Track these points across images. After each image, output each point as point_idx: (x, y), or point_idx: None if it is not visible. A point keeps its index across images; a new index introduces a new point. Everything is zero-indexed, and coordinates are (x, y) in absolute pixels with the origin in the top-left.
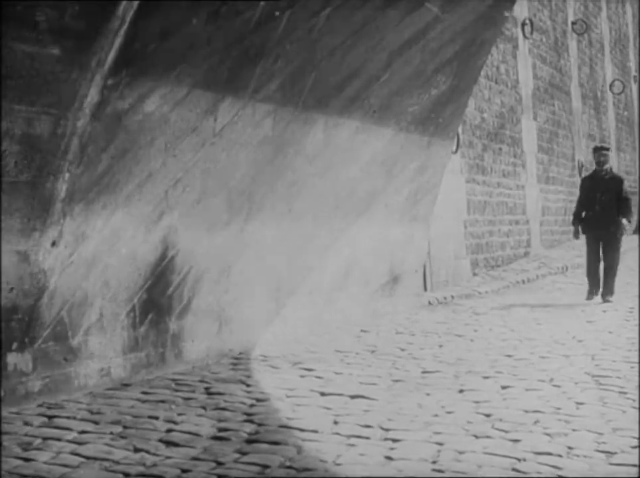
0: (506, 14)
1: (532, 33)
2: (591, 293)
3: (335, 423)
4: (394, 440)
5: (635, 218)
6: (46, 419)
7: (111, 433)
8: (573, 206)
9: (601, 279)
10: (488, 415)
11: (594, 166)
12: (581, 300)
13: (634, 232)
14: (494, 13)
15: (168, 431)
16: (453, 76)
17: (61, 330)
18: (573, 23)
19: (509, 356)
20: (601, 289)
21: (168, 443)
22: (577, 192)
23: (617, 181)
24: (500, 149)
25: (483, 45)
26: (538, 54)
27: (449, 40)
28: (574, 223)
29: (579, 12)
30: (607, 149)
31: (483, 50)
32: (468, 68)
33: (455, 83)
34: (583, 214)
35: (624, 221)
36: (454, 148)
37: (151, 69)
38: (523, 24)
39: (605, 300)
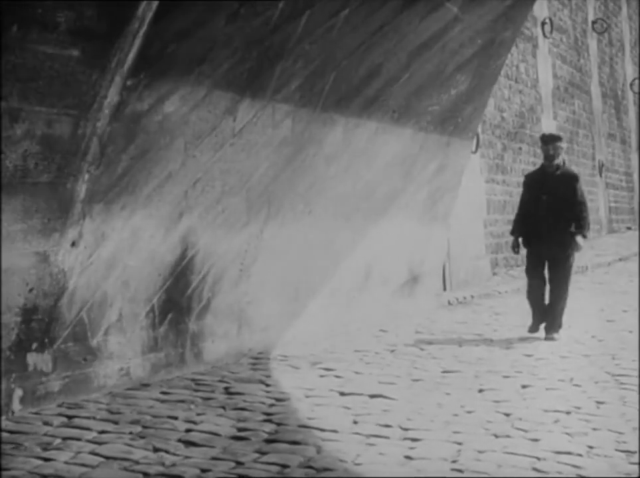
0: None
1: (552, 32)
2: (536, 324)
3: (355, 422)
4: (414, 440)
5: (589, 232)
6: (65, 419)
7: (131, 433)
8: (594, 205)
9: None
10: (508, 415)
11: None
12: (521, 332)
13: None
14: (513, 13)
15: (188, 431)
16: (472, 75)
17: (81, 331)
18: (593, 22)
19: (529, 355)
20: (544, 323)
21: (188, 443)
22: (597, 192)
23: (569, 180)
24: (520, 148)
25: (503, 44)
26: (558, 53)
27: (468, 40)
28: (513, 232)
29: (599, 11)
30: (559, 139)
31: (503, 50)
32: (488, 68)
33: (474, 82)
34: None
35: (578, 238)
36: (474, 148)
37: (170, 70)
38: (543, 24)
39: (548, 337)
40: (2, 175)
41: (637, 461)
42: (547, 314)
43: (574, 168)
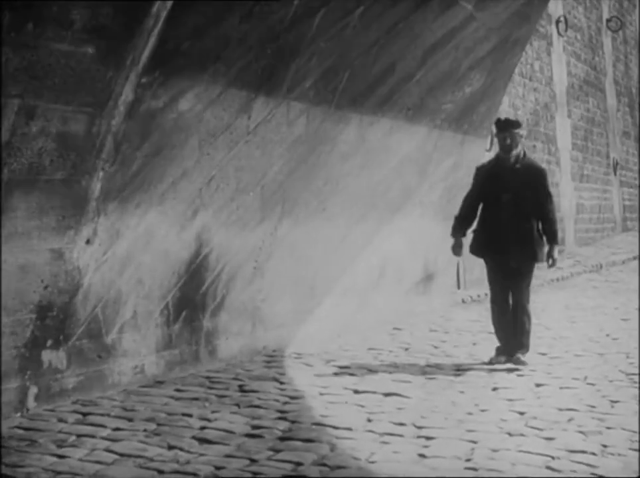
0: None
1: (566, 30)
2: (503, 351)
3: (369, 420)
4: (428, 438)
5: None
6: (80, 416)
7: (145, 430)
8: (609, 204)
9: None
10: (522, 414)
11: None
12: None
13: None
14: (528, 11)
15: (202, 428)
16: (487, 73)
17: (95, 328)
18: (607, 20)
19: (543, 354)
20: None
21: (202, 441)
22: (612, 190)
23: (536, 175)
24: (535, 146)
25: (517, 42)
26: (573, 51)
27: (483, 38)
28: (454, 232)
29: (613, 9)
30: (517, 126)
31: (517, 48)
32: (502, 66)
33: (489, 80)
34: (487, 226)
35: (555, 251)
36: (488, 146)
37: (184, 68)
38: (557, 22)
39: (515, 360)
40: (17, 172)
41: None
42: (514, 336)
43: (589, 167)
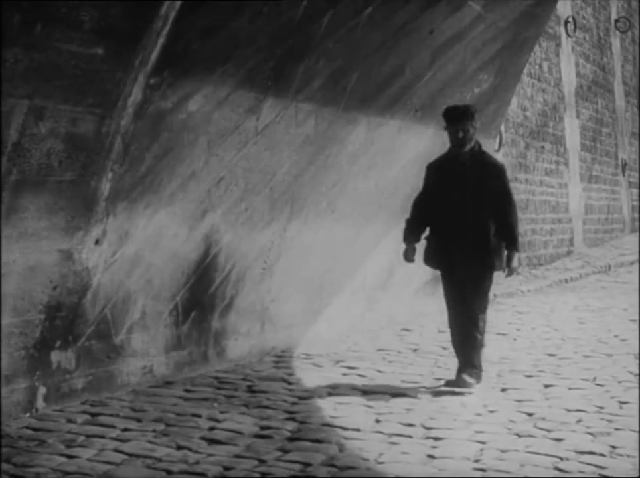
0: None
1: (575, 31)
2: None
3: (377, 421)
4: (436, 439)
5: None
6: (89, 417)
7: (154, 430)
8: (617, 204)
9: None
10: (530, 414)
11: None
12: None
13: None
14: (537, 11)
15: (211, 428)
16: (495, 74)
17: (104, 328)
18: (616, 21)
19: (552, 355)
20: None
21: (211, 441)
22: (620, 191)
23: (493, 172)
24: (543, 147)
25: (526, 43)
26: (581, 51)
27: (491, 38)
28: (406, 237)
29: (622, 9)
30: (470, 115)
31: (526, 48)
32: (511, 66)
33: (497, 81)
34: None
35: (514, 259)
36: (497, 146)
37: (193, 69)
38: (566, 22)
39: (460, 381)
40: (26, 173)
41: None
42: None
43: (597, 168)
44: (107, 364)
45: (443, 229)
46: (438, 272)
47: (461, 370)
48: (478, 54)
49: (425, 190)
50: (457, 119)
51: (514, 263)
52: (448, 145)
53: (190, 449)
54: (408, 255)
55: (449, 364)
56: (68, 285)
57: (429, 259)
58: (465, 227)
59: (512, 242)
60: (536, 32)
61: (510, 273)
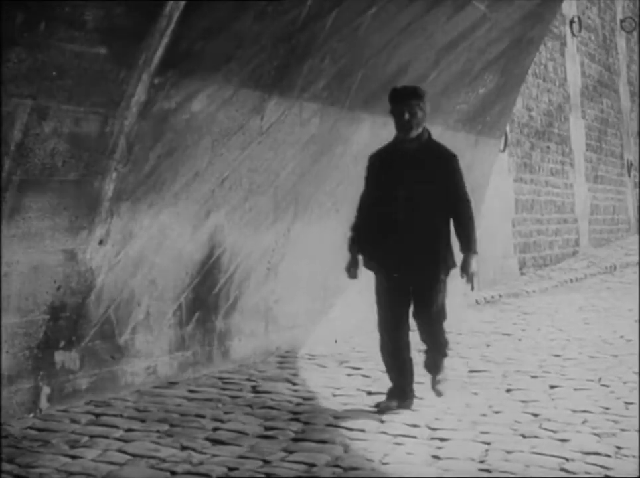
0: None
1: (580, 31)
2: (394, 393)
3: (382, 422)
4: (441, 439)
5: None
6: (93, 417)
7: (158, 431)
8: (623, 205)
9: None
10: (536, 415)
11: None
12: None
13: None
14: (542, 11)
15: (215, 429)
16: (500, 74)
17: (108, 329)
18: (622, 21)
19: (557, 355)
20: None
21: (215, 442)
22: (626, 191)
23: (444, 161)
24: (548, 147)
25: (531, 43)
26: (587, 51)
27: (496, 38)
28: (350, 246)
29: (628, 9)
30: (418, 96)
31: (531, 48)
32: (516, 66)
33: (502, 81)
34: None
35: (472, 263)
36: (502, 146)
37: (197, 68)
38: (571, 22)
39: (436, 387)
40: (30, 173)
41: None
42: (428, 369)
43: (603, 168)
44: (111, 364)
45: (384, 229)
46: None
47: (434, 371)
48: (483, 54)
49: (368, 186)
50: (403, 98)
51: (473, 267)
52: (454, 145)
53: (194, 450)
54: (350, 270)
55: (454, 365)
56: (71, 285)
57: (368, 263)
58: (410, 226)
59: (467, 242)
60: (541, 32)
61: (469, 280)
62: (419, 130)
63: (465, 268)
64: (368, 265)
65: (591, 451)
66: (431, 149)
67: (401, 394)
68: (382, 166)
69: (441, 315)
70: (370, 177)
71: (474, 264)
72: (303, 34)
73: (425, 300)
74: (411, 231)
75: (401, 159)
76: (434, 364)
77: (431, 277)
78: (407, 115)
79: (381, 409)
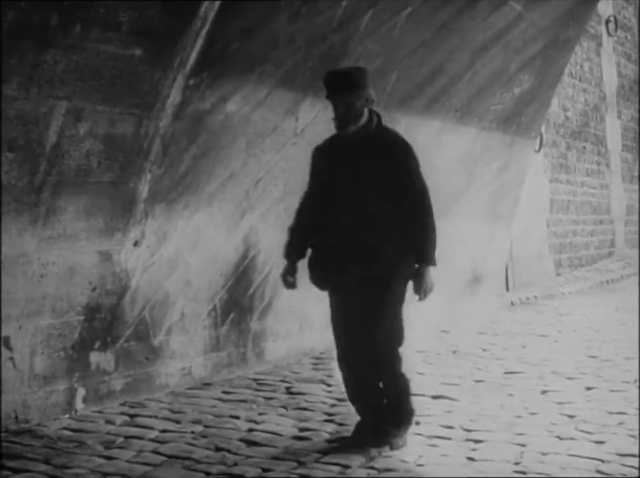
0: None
1: (616, 30)
2: (363, 429)
3: (417, 423)
4: (476, 441)
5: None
6: (128, 418)
7: (193, 432)
8: None
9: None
10: (572, 417)
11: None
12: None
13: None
14: (578, 11)
15: (250, 430)
16: (536, 74)
17: (143, 330)
18: None
19: (593, 357)
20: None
21: (249, 443)
22: None
23: (392, 155)
24: (584, 147)
25: (567, 43)
26: (623, 51)
27: (532, 38)
28: (287, 252)
29: None
30: (353, 85)
31: (567, 48)
32: (551, 66)
33: (538, 81)
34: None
35: (426, 276)
36: (537, 147)
37: (232, 69)
38: (607, 22)
39: (388, 442)
40: (65, 174)
41: None
42: (386, 407)
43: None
44: (146, 365)
45: (326, 236)
46: (479, 274)
47: (391, 425)
48: (518, 54)
49: (309, 185)
50: (336, 89)
51: (427, 282)
52: (488, 146)
53: (228, 451)
54: (286, 278)
55: (490, 366)
56: (106, 286)
57: (313, 277)
58: (353, 233)
59: (422, 251)
60: (577, 31)
61: (422, 296)
62: (362, 121)
63: (416, 283)
64: (312, 280)
65: (627, 452)
66: (379, 139)
67: (370, 429)
68: (324, 161)
69: (389, 344)
70: (311, 174)
71: (428, 279)
72: (338, 35)
73: (367, 322)
74: (352, 237)
75: (344, 153)
76: (394, 415)
77: (383, 296)
78: (341, 110)
79: (350, 443)
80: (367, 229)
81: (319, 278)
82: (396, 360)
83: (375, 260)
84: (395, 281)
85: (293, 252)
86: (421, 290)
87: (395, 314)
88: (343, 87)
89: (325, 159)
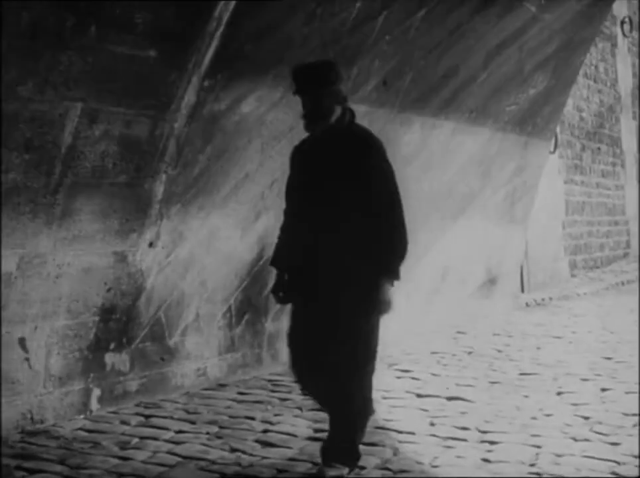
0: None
1: (631, 31)
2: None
3: (432, 424)
4: (491, 442)
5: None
6: (143, 419)
7: (208, 433)
8: None
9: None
10: (587, 418)
11: None
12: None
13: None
14: (593, 12)
15: (265, 431)
16: (551, 75)
17: (158, 330)
18: None
19: (609, 358)
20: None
21: (265, 444)
22: None
23: (359, 155)
24: (599, 148)
25: (582, 44)
26: (638, 52)
27: (547, 39)
28: (273, 261)
29: None
30: (321, 80)
31: (582, 49)
32: (566, 67)
33: (553, 82)
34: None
35: (384, 292)
36: (552, 148)
37: (247, 70)
38: (622, 23)
39: (326, 472)
40: (80, 176)
41: None
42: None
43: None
44: (161, 366)
45: (293, 246)
46: (494, 275)
47: (331, 454)
48: (533, 55)
49: (287, 192)
50: (303, 84)
51: (384, 296)
52: (503, 147)
53: (243, 452)
54: (276, 292)
55: (504, 367)
56: (122, 287)
57: (275, 291)
58: (316, 241)
59: (383, 265)
60: (592, 32)
61: (380, 311)
62: (332, 119)
63: (376, 298)
64: (284, 299)
65: None
66: (349, 137)
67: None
68: (298, 162)
69: (363, 361)
70: (289, 176)
71: (386, 294)
72: (353, 36)
73: (339, 344)
74: (315, 247)
75: (313, 153)
76: (335, 444)
77: (347, 315)
78: (308, 106)
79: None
80: (332, 239)
81: (285, 293)
82: (365, 386)
83: (341, 275)
84: (369, 299)
85: (278, 261)
86: (379, 306)
87: (369, 332)
88: (310, 83)
89: (298, 159)
